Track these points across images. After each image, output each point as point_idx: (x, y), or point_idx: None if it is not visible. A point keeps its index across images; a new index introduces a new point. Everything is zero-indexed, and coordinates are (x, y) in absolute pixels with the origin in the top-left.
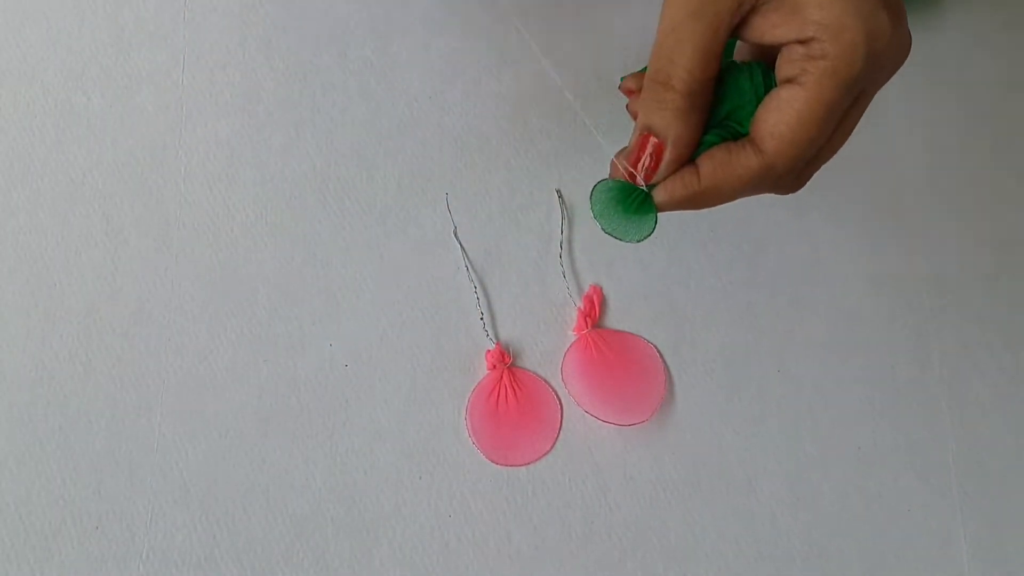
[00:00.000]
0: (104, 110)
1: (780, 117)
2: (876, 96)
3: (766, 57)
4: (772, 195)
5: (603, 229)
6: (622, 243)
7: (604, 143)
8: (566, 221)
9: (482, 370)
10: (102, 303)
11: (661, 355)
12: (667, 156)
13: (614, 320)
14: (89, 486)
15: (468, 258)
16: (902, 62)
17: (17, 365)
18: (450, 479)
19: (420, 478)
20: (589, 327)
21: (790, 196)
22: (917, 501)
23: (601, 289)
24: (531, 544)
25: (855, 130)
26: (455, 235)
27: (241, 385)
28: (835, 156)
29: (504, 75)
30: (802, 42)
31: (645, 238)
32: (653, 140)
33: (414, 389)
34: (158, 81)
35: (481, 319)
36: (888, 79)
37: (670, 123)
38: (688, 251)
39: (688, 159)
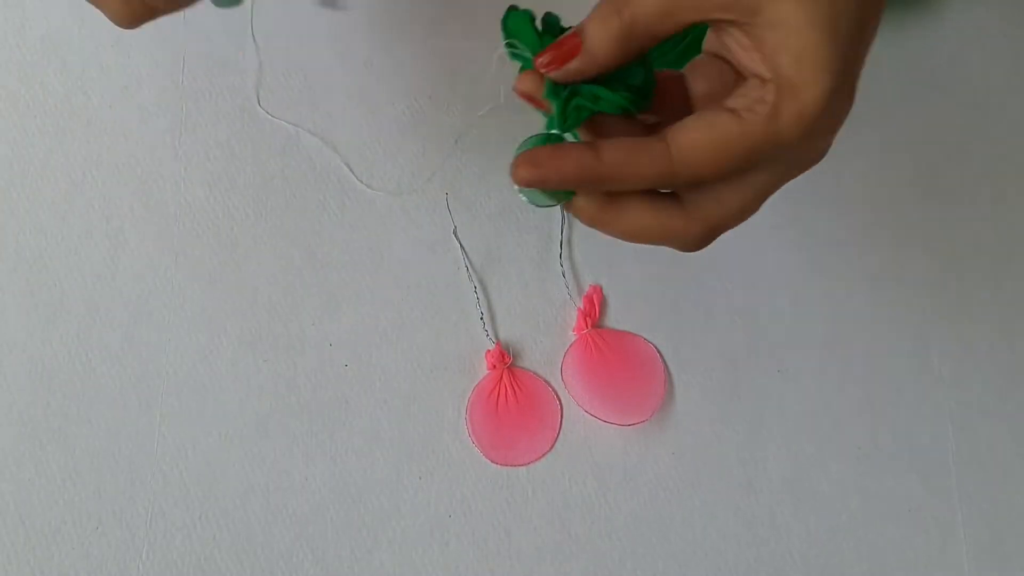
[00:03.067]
0: (104, 110)
1: (705, 135)
2: (876, 95)
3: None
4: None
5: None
6: (619, 241)
7: None
8: (566, 221)
9: (482, 370)
10: (102, 303)
11: (661, 355)
12: (578, 58)
13: (614, 320)
14: (89, 486)
15: (468, 258)
16: (809, 166)
17: (17, 365)
18: (450, 479)
19: (420, 478)
20: (589, 327)
21: (790, 195)
22: (917, 501)
23: (601, 289)
24: (531, 544)
25: (854, 131)
26: (455, 235)
27: (241, 385)
28: (834, 155)
29: (504, 75)
30: (763, 80)
31: (544, 206)
32: (573, 39)
33: (414, 389)
34: (158, 81)
35: (481, 319)
36: (792, 178)
37: (598, 32)
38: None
39: (594, 73)
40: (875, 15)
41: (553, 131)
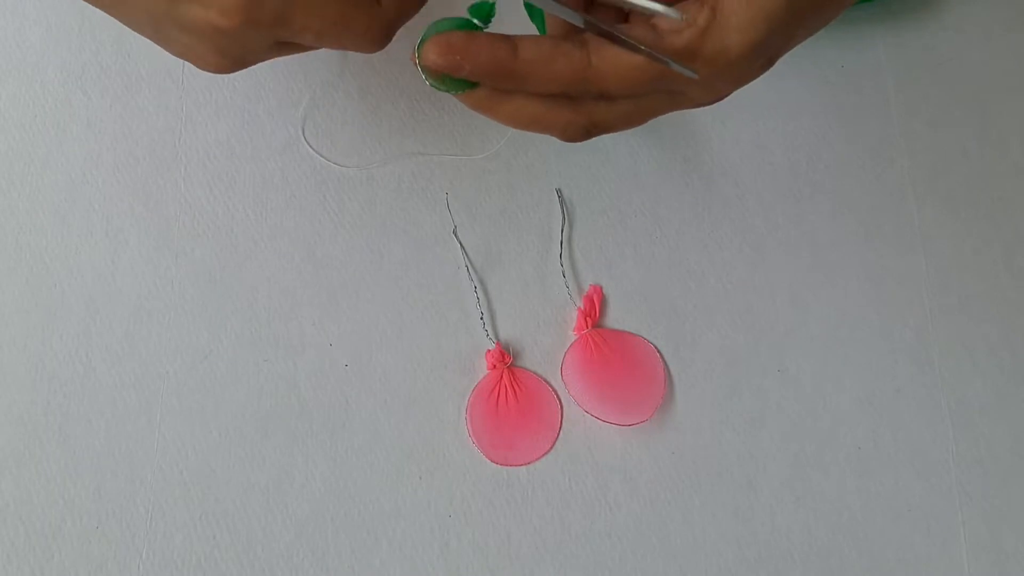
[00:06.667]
0: (104, 110)
1: (627, 57)
2: (876, 95)
3: None
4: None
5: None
6: (619, 241)
7: (606, 141)
8: (566, 221)
9: (482, 370)
10: (102, 303)
11: (661, 355)
12: None
13: (614, 320)
14: (89, 486)
15: (468, 258)
16: (699, 105)
17: (17, 365)
18: (450, 479)
19: (420, 478)
20: (589, 327)
21: (790, 195)
22: (917, 501)
23: (601, 289)
24: (531, 544)
25: (854, 131)
26: (455, 235)
27: (241, 385)
28: (834, 155)
29: None
30: (702, 3)
31: (441, 90)
32: None
33: (414, 389)
34: (158, 81)
35: (481, 319)
36: (682, 108)
37: None
38: (688, 251)
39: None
40: (831, 9)
41: (473, 20)
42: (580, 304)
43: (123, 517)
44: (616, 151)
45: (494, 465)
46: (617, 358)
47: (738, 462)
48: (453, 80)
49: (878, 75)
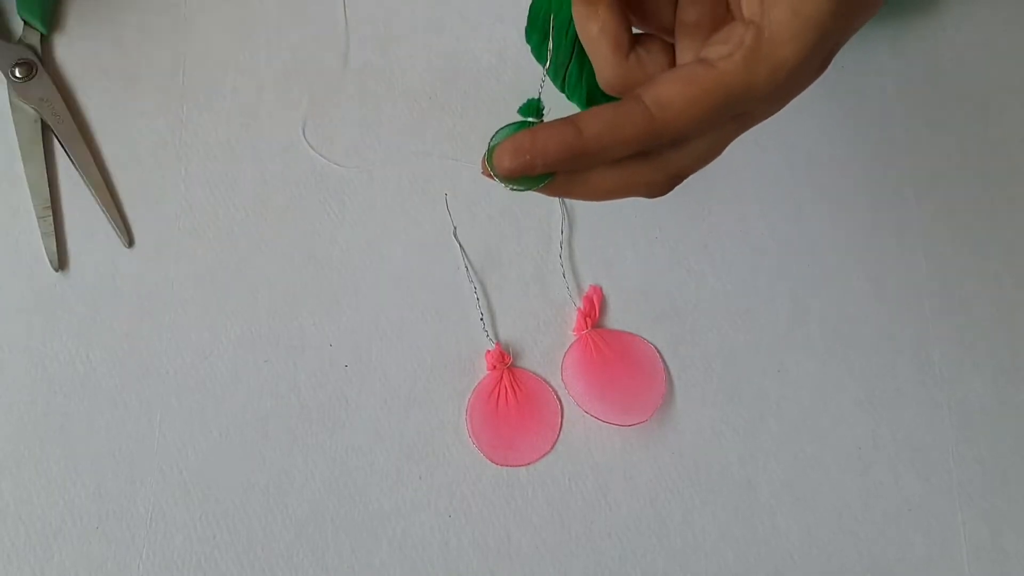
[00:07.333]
0: (104, 109)
1: (684, 92)
2: (876, 95)
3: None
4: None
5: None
6: (619, 241)
7: None
8: (566, 221)
9: (482, 370)
10: (102, 303)
11: (661, 355)
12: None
13: (614, 320)
14: (89, 486)
15: (468, 258)
16: (766, 117)
17: (17, 365)
18: (450, 479)
19: (420, 478)
20: (589, 327)
21: (790, 195)
22: (917, 501)
23: (601, 289)
24: (531, 544)
25: (854, 131)
26: (455, 235)
27: (241, 385)
28: (834, 155)
29: (504, 75)
30: (746, 24)
31: (523, 190)
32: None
33: (414, 389)
34: (158, 81)
35: (481, 319)
36: (752, 125)
37: (604, 18)
38: (688, 251)
39: (621, 50)
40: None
41: (528, 119)
42: (580, 304)
43: (123, 517)
44: None
45: (494, 465)
46: (617, 358)
47: (738, 462)
48: (530, 178)
49: (878, 75)
